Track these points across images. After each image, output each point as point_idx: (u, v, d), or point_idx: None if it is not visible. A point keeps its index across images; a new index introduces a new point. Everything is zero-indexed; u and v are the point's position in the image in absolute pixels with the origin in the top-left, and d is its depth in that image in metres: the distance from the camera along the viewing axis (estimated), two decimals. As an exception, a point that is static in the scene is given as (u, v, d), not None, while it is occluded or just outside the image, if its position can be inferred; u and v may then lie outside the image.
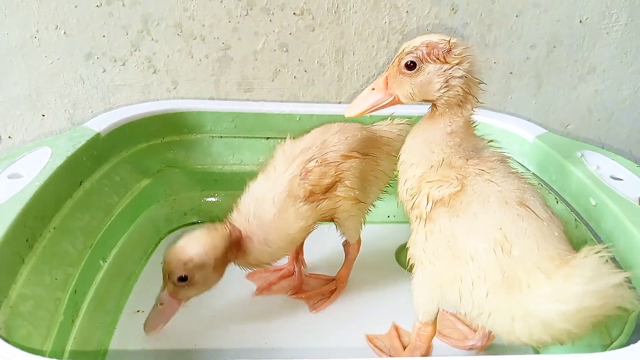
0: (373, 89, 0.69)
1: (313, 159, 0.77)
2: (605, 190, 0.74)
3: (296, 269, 0.94)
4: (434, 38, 0.64)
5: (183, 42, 1.03)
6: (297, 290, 0.91)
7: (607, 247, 0.51)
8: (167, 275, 0.72)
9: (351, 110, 0.69)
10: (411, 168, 0.68)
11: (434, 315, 0.69)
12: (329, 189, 0.77)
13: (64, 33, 0.99)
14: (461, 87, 0.64)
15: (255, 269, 0.84)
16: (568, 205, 0.82)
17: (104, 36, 1.00)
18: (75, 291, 0.73)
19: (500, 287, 0.55)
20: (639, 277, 0.63)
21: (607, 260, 0.50)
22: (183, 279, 0.71)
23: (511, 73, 1.11)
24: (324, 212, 0.79)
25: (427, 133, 0.68)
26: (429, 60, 0.63)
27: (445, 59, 0.63)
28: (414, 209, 0.67)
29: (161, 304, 0.74)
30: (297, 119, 1.04)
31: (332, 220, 0.83)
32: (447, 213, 0.61)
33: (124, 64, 1.03)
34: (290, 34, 1.04)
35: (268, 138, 1.07)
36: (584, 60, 1.11)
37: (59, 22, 0.98)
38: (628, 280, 0.50)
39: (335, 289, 0.91)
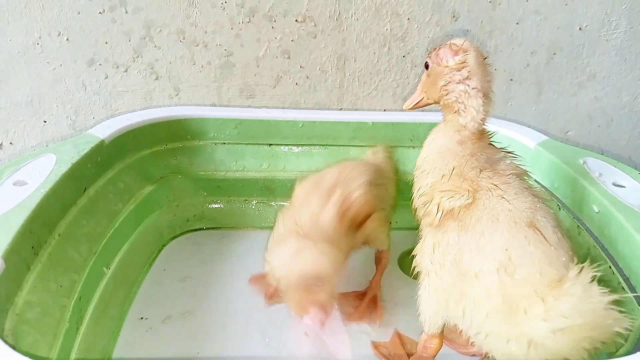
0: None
1: (348, 196, 0.78)
2: (608, 197, 0.75)
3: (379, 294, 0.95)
4: (449, 42, 0.66)
5: (185, 48, 1.03)
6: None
7: (597, 266, 0.51)
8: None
9: (406, 104, 0.76)
10: (424, 175, 0.69)
11: (439, 327, 0.69)
12: (364, 220, 0.79)
13: (67, 39, 0.99)
14: (459, 93, 0.65)
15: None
16: (571, 212, 0.83)
17: (106, 42, 1.00)
18: (80, 298, 0.73)
19: (499, 310, 0.55)
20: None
21: (596, 281, 0.50)
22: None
23: (511, 80, 1.12)
24: (358, 241, 0.81)
25: (439, 141, 0.69)
26: (437, 63, 0.66)
27: (447, 63, 0.65)
28: (425, 216, 0.67)
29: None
30: (300, 125, 1.05)
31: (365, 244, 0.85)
32: (457, 227, 0.61)
33: (126, 71, 1.03)
34: (292, 40, 1.04)
35: (271, 144, 1.07)
36: (584, 67, 1.11)
37: (61, 29, 0.98)
38: (618, 304, 0.50)
39: (376, 295, 0.91)
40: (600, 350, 0.52)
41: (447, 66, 0.65)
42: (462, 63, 0.64)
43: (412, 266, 0.69)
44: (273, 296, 0.91)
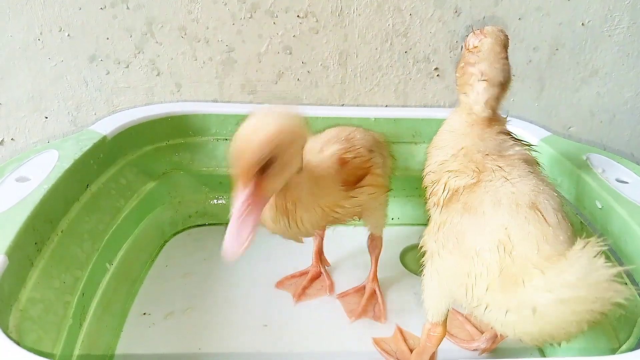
0: None
1: (347, 150, 0.75)
2: (611, 193, 0.75)
3: (323, 270, 0.96)
4: (487, 27, 0.71)
5: (187, 44, 1.03)
6: (332, 289, 0.93)
7: (602, 240, 0.51)
8: (243, 168, 0.56)
9: None
10: (435, 151, 0.72)
11: (443, 315, 0.70)
12: (360, 179, 0.76)
13: (68, 35, 0.99)
14: (469, 75, 0.69)
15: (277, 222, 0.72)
16: (574, 208, 0.83)
17: (107, 38, 1.00)
18: (83, 294, 0.73)
19: (498, 283, 0.56)
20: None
21: (601, 255, 0.50)
22: (268, 163, 0.57)
23: (514, 76, 1.09)
24: (356, 203, 0.77)
25: (452, 121, 0.73)
26: (465, 45, 0.72)
27: (468, 46, 0.70)
28: (432, 195, 0.69)
29: (242, 209, 0.57)
30: (302, 121, 1.05)
31: (359, 216, 0.83)
32: (460, 208, 0.63)
33: (127, 67, 1.03)
34: (294, 36, 1.04)
35: (273, 141, 1.07)
36: (586, 63, 1.11)
37: (62, 25, 0.98)
38: (622, 276, 0.50)
39: (374, 289, 0.91)
40: (600, 321, 0.52)
41: (467, 49, 0.70)
42: (477, 47, 0.68)
43: (420, 245, 0.70)
44: (301, 295, 0.92)
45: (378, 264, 0.93)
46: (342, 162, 0.74)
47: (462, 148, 0.68)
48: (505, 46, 0.69)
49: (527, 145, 0.70)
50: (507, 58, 0.70)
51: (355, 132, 0.82)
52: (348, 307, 0.89)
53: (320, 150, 0.75)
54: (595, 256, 0.50)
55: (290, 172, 0.61)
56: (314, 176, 0.69)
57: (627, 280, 0.67)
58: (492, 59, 0.67)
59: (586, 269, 0.50)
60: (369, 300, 0.90)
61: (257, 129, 0.56)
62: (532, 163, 0.68)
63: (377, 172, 0.80)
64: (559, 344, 0.56)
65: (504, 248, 0.56)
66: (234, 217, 0.56)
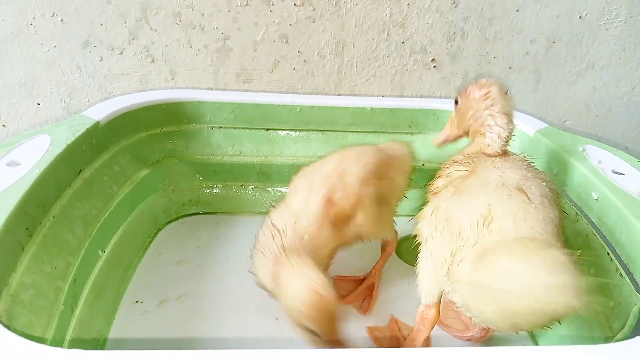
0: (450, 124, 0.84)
1: (336, 191, 0.77)
2: (607, 184, 0.75)
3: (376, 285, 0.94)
4: (480, 80, 0.78)
5: (182, 31, 1.02)
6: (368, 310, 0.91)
7: (579, 254, 0.53)
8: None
9: (435, 141, 0.86)
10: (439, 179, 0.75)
11: (436, 297, 0.70)
12: (351, 217, 0.78)
13: (61, 20, 0.97)
14: (486, 118, 0.75)
15: None
16: (569, 199, 0.83)
17: (101, 24, 0.99)
18: (75, 280, 0.72)
19: (470, 256, 0.58)
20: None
21: (571, 262, 0.51)
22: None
23: (510, 68, 1.11)
24: (349, 237, 0.79)
25: (464, 152, 0.78)
26: (464, 98, 0.78)
27: (474, 96, 0.76)
28: (429, 189, 0.73)
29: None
30: (298, 110, 1.04)
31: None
32: (452, 192, 0.67)
33: (121, 53, 1.02)
34: (290, 25, 1.03)
35: (268, 129, 1.06)
36: (583, 56, 1.11)
37: (55, 9, 0.96)
38: (585, 286, 0.50)
39: (374, 284, 0.91)
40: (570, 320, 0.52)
41: (474, 98, 0.76)
42: (487, 94, 0.75)
43: (414, 234, 0.73)
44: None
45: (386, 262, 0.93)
46: (329, 203, 0.76)
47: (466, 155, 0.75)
48: (506, 90, 0.77)
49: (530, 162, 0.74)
50: None
51: (354, 165, 0.81)
52: (338, 290, 0.89)
53: (307, 198, 0.76)
54: (563, 262, 0.51)
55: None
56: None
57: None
58: (504, 99, 0.75)
59: (551, 270, 0.51)
60: (362, 292, 0.90)
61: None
62: (526, 162, 0.72)
63: (376, 204, 0.80)
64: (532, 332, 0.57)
65: (484, 220, 0.59)
66: None
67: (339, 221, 0.76)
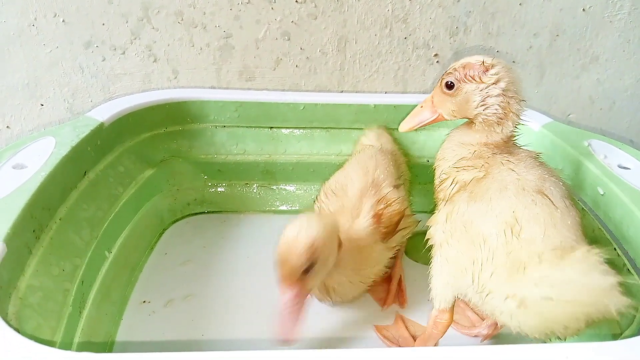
0: (421, 107, 0.76)
1: (379, 202, 0.77)
2: (613, 179, 0.74)
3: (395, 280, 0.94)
4: (472, 60, 0.68)
5: (184, 30, 1.01)
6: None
7: (610, 250, 0.52)
8: (288, 272, 0.65)
9: (403, 125, 0.77)
10: (445, 162, 0.72)
11: (450, 302, 0.69)
12: (398, 224, 0.79)
13: (63, 21, 0.97)
14: (499, 105, 0.67)
15: (322, 299, 0.81)
16: (575, 194, 0.83)
17: (103, 24, 0.99)
18: (82, 282, 0.73)
19: (503, 268, 0.56)
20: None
21: (604, 262, 0.50)
22: (309, 266, 0.64)
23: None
24: (397, 245, 0.81)
25: (463, 138, 0.72)
26: (466, 81, 0.68)
27: (481, 79, 0.67)
28: (440, 192, 0.69)
29: (289, 305, 0.66)
30: (301, 108, 1.04)
31: None
32: (467, 198, 0.63)
33: (124, 53, 1.02)
34: (292, 22, 1.03)
35: (272, 128, 1.06)
36: (587, 49, 1.10)
37: (57, 10, 0.96)
38: (621, 286, 0.50)
39: (400, 277, 0.91)
40: (601, 323, 0.52)
41: (483, 82, 0.66)
42: (497, 76, 0.66)
43: (426, 238, 0.70)
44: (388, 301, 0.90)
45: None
46: (377, 218, 0.76)
47: (474, 151, 0.69)
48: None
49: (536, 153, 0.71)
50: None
51: (376, 169, 0.82)
52: (376, 295, 0.89)
53: (352, 216, 0.76)
54: (597, 262, 0.50)
55: (329, 267, 0.68)
56: (356, 251, 0.73)
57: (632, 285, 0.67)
58: (515, 79, 0.67)
59: (584, 272, 0.50)
60: (395, 289, 0.90)
61: (298, 237, 0.63)
62: (536, 158, 0.69)
63: (407, 211, 0.82)
64: (564, 339, 0.56)
65: (512, 230, 0.56)
66: (283, 312, 0.65)
67: (389, 232, 0.78)
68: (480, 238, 0.59)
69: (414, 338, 0.78)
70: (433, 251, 0.69)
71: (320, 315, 0.84)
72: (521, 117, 0.69)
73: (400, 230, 0.81)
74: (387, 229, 0.77)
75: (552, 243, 0.55)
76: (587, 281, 0.50)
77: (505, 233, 0.56)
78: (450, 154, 0.72)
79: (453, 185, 0.67)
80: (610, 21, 1.07)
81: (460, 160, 0.69)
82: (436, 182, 0.73)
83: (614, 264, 0.71)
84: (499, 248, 0.57)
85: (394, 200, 0.80)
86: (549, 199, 0.58)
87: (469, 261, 0.60)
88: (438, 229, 0.67)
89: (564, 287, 0.51)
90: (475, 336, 0.81)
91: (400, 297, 0.88)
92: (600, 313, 0.50)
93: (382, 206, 0.77)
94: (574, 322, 0.52)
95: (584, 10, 1.06)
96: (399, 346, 0.78)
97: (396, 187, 0.82)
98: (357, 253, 0.74)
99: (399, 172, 0.88)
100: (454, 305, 0.70)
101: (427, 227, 0.70)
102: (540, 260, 0.53)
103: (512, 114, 0.67)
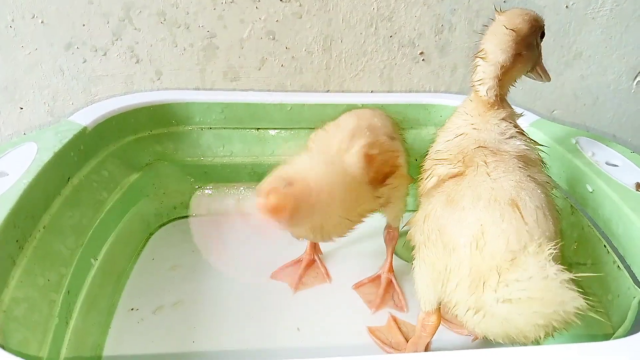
0: None
1: (373, 145, 0.73)
2: (601, 176, 0.75)
3: (317, 257, 0.95)
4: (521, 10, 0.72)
5: (167, 30, 0.99)
6: (329, 276, 0.92)
7: (555, 245, 0.52)
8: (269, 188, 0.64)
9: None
10: (442, 133, 0.72)
11: (434, 303, 0.69)
12: (388, 177, 0.75)
13: (42, 22, 0.95)
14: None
15: (298, 236, 0.77)
16: (564, 192, 0.83)
17: (84, 25, 0.96)
18: (69, 292, 0.71)
19: (466, 281, 0.57)
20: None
21: (553, 260, 0.51)
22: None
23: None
24: (382, 198, 0.76)
25: (465, 103, 0.73)
26: (525, 26, 0.71)
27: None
28: (420, 184, 0.70)
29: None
30: (288, 108, 1.03)
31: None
32: (444, 200, 0.62)
33: (105, 54, 1.00)
34: (277, 21, 1.01)
35: (259, 129, 1.05)
36: (570, 45, 1.11)
37: (36, 11, 0.94)
38: (574, 283, 0.50)
39: (390, 280, 0.90)
40: (559, 329, 0.52)
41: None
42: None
43: (407, 238, 0.70)
44: (299, 284, 0.90)
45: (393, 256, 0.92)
46: (369, 160, 0.72)
47: (461, 134, 0.68)
48: (521, 30, 0.69)
49: (532, 142, 0.70)
50: (522, 42, 0.70)
51: (374, 119, 0.79)
52: (366, 297, 0.89)
53: (342, 149, 0.72)
54: (547, 262, 0.50)
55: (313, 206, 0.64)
56: (342, 185, 0.68)
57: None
58: (497, 41, 0.67)
59: (532, 273, 0.51)
60: (386, 291, 0.89)
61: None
62: (528, 159, 0.66)
63: (401, 162, 0.79)
64: (536, 342, 0.56)
65: (477, 244, 0.56)
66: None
67: (377, 179, 0.73)
68: (450, 245, 0.59)
69: (407, 339, 0.78)
70: (414, 252, 0.68)
71: (313, 317, 0.84)
72: (494, 80, 0.69)
73: (389, 184, 0.77)
74: (375, 176, 0.73)
75: (512, 256, 0.54)
76: (540, 277, 0.50)
77: (471, 246, 0.57)
78: (449, 124, 0.72)
79: (429, 178, 0.68)
80: (593, 18, 1.08)
81: (443, 147, 0.69)
82: (429, 155, 0.73)
83: (602, 261, 0.72)
84: (465, 260, 0.57)
85: (388, 149, 0.76)
86: (520, 212, 0.57)
87: (441, 266, 0.60)
88: (417, 230, 0.67)
89: (518, 286, 0.51)
90: (468, 335, 0.81)
91: (398, 302, 0.88)
92: (556, 313, 0.50)
93: (375, 151, 0.73)
94: (531, 327, 0.52)
95: (567, 7, 1.07)
96: (392, 347, 0.77)
97: (392, 138, 0.78)
98: (342, 188, 0.69)
99: (397, 132, 0.84)
100: (439, 307, 0.70)
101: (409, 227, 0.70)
102: (499, 274, 0.54)
103: (481, 70, 0.69)
